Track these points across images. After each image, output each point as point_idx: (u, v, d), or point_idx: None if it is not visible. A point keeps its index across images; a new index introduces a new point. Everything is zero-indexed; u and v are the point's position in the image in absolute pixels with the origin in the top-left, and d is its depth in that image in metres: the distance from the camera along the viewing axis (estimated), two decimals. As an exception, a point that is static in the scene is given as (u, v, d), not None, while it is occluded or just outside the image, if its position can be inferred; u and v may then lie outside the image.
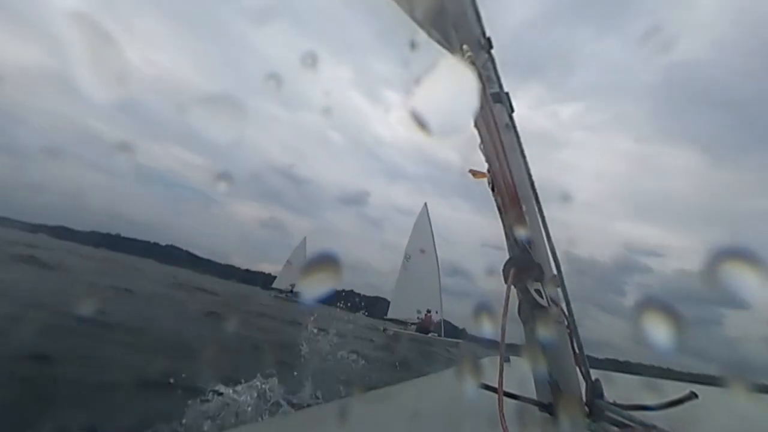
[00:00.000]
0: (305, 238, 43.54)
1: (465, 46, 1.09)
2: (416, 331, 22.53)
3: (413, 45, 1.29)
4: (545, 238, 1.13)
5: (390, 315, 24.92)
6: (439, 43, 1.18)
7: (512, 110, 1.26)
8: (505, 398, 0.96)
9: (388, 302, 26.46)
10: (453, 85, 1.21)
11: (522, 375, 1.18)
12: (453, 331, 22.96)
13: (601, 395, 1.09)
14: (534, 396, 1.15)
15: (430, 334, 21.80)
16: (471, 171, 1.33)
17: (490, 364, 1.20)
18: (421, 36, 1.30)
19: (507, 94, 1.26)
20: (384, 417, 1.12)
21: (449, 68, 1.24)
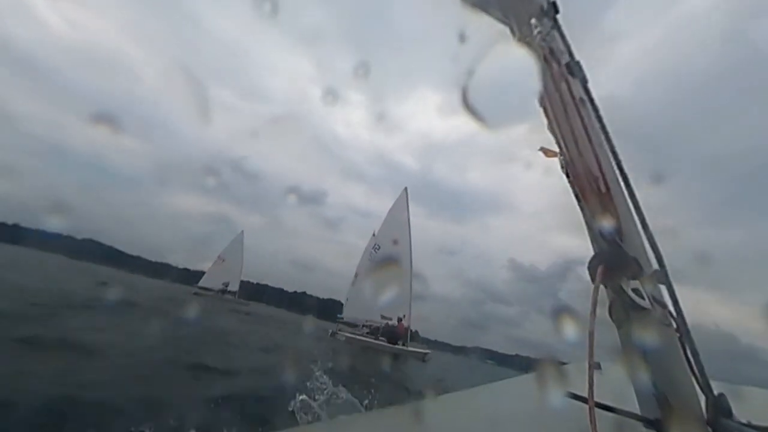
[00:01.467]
0: (242, 231, 37.95)
1: (533, 20, 0.96)
2: (382, 337, 18.48)
3: (462, 37, 1.20)
4: (641, 228, 0.95)
5: (346, 316, 20.50)
6: (499, 20, 1.07)
7: (586, 81, 1.09)
8: (597, 410, 0.85)
9: (343, 303, 21.86)
10: (516, 65, 1.09)
11: (617, 385, 1.03)
12: (414, 338, 19.62)
13: (729, 413, 0.90)
14: (633, 409, 1.00)
15: (399, 343, 18.07)
16: (542, 149, 1.18)
17: (575, 371, 1.07)
18: (465, 28, 1.21)
19: (578, 63, 1.09)
20: (460, 422, 1.08)
21: (510, 48, 1.12)
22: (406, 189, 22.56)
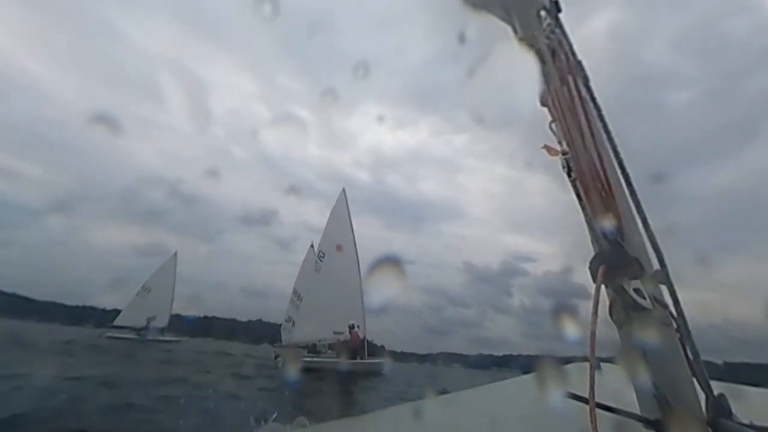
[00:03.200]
0: (175, 253, 30.70)
1: (542, 13, 0.96)
2: (340, 354, 16.32)
3: (462, 38, 1.20)
4: (642, 228, 0.95)
5: (294, 337, 17.95)
6: (501, 19, 1.07)
7: (588, 79, 1.09)
8: (597, 410, 0.84)
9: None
10: (517, 64, 1.09)
11: (617, 385, 1.02)
12: (372, 349, 17.57)
13: (728, 414, 0.90)
14: (633, 410, 1.00)
15: (358, 358, 16.15)
16: (546, 147, 1.18)
17: (575, 371, 1.07)
18: (459, 29, 1.21)
19: (581, 62, 1.09)
20: (460, 422, 1.07)
21: (511, 47, 1.12)
22: (344, 190, 20.78)
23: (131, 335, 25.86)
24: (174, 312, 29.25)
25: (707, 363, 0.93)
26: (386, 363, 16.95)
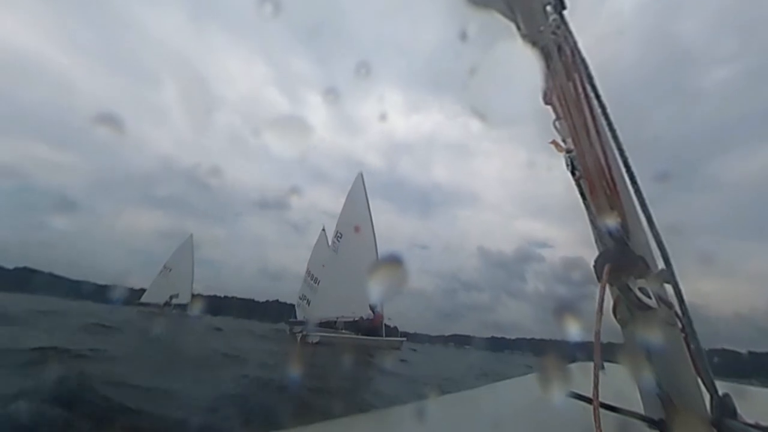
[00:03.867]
0: (191, 235, 32.75)
1: (548, 8, 0.95)
2: (358, 332, 17.14)
3: (464, 36, 1.18)
4: (647, 226, 0.94)
5: (312, 314, 18.50)
6: (504, 16, 1.06)
7: (592, 77, 1.08)
8: (601, 410, 0.84)
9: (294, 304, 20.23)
10: (519, 62, 1.08)
11: (620, 384, 1.02)
12: (386, 330, 18.22)
13: (734, 414, 0.89)
14: (637, 409, 0.99)
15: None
16: (553, 142, 1.17)
17: (579, 371, 1.06)
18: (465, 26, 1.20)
19: (585, 59, 1.08)
20: (463, 422, 1.07)
21: (514, 43, 1.11)
22: (361, 174, 21.22)
23: (155, 310, 27.63)
24: (196, 292, 31.00)
25: (729, 352, 0.92)
26: (404, 339, 18.14)
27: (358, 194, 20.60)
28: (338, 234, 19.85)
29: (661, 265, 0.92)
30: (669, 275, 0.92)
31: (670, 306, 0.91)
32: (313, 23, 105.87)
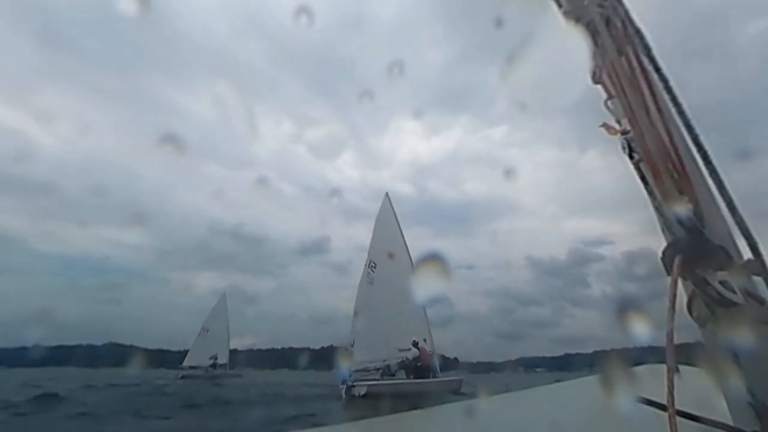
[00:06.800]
0: (224, 294, 32.93)
1: None
2: (409, 374, 14.53)
3: (499, 22, 1.13)
4: (727, 211, 0.82)
5: (355, 359, 15.52)
6: None
7: (649, 48, 0.97)
8: (678, 418, 0.75)
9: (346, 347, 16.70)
10: (562, 42, 1.00)
11: (699, 390, 0.90)
12: (445, 363, 16.14)
13: None
14: (722, 419, 0.87)
15: (431, 376, 14.46)
16: (605, 125, 1.08)
17: (649, 374, 0.97)
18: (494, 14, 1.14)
19: (639, 30, 0.97)
20: (518, 421, 1.02)
21: (553, 24, 1.03)
22: (387, 195, 19.56)
23: (200, 373, 28.18)
24: (255, 347, 33.14)
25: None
26: (463, 379, 15.05)
27: (387, 217, 18.95)
28: (371, 264, 17.71)
29: (747, 255, 0.80)
30: (759, 266, 0.80)
31: (761, 302, 0.79)
32: (329, 80, 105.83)
